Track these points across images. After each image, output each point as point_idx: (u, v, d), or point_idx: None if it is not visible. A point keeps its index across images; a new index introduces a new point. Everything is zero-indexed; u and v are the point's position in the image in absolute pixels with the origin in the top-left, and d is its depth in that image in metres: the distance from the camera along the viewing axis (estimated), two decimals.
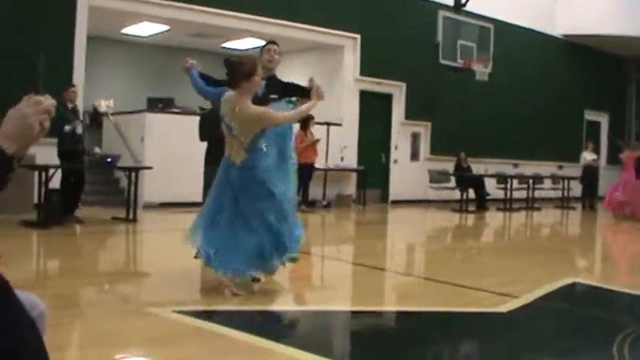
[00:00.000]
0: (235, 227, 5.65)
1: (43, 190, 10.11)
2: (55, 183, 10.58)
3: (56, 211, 10.37)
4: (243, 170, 5.64)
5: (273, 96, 6.35)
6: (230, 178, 5.76)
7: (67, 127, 10.69)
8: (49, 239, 9.29)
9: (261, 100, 5.86)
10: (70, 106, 10.88)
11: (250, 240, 5.59)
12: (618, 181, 16.88)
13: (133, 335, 4.46)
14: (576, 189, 19.95)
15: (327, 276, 7.43)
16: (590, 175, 19.61)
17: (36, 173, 10.30)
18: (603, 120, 25.51)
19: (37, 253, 8.84)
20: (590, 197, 19.53)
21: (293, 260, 5.91)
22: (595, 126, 25.08)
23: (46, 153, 10.50)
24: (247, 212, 5.64)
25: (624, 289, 6.99)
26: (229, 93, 5.71)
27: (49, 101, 1.86)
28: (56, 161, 10.69)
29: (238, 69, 5.58)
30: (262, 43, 13.86)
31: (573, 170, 20.44)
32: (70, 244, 9.55)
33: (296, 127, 13.85)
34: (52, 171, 10.30)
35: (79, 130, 11.02)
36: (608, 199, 16.72)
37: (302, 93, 6.53)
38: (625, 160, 16.87)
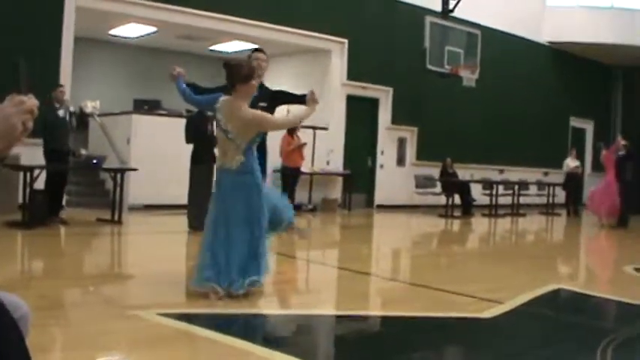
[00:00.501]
0: (219, 238, 5.63)
1: (27, 190, 10.06)
2: (40, 183, 10.54)
3: (41, 212, 10.32)
4: (239, 175, 5.64)
5: (262, 104, 6.35)
6: (223, 186, 5.75)
7: (61, 111, 10.75)
8: (33, 240, 9.24)
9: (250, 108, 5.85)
10: (57, 105, 10.85)
11: (235, 252, 5.58)
12: (601, 184, 16.71)
13: (116, 338, 4.44)
14: (561, 195, 20.05)
15: (311, 280, 7.42)
16: (574, 182, 19.71)
17: (21, 174, 10.25)
18: (588, 127, 25.63)
19: (21, 254, 8.79)
20: (574, 204, 19.62)
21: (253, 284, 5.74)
22: (580, 133, 25.21)
23: (31, 153, 10.46)
24: (240, 219, 5.61)
25: (608, 295, 7.03)
26: (225, 97, 5.72)
27: (32, 101, 1.85)
28: (41, 161, 10.66)
29: (237, 72, 5.61)
30: (250, 46, 14.29)
31: (559, 176, 20.52)
32: (54, 245, 9.50)
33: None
34: (37, 171, 10.25)
35: (72, 108, 11.10)
36: (590, 203, 16.69)
37: (290, 100, 6.56)
38: (604, 161, 16.59)
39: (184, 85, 6.17)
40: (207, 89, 6.41)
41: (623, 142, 16.48)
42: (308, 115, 6.18)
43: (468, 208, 17.60)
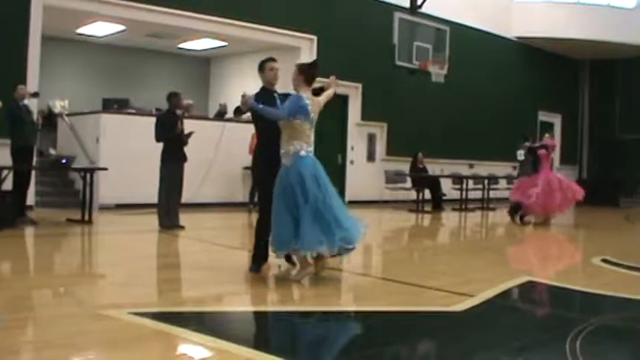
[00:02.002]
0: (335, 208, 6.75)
1: None
2: (7, 184, 10.43)
3: (10, 213, 10.21)
4: None
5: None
6: (320, 167, 6.74)
7: (26, 101, 10.71)
8: (2, 242, 9.13)
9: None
10: (21, 103, 10.74)
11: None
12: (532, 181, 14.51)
13: (89, 338, 4.42)
14: None
15: (284, 277, 7.42)
16: None
17: None
18: (556, 121, 25.87)
19: None
20: None
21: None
22: (549, 127, 25.42)
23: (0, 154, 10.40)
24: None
25: (577, 287, 7.12)
26: (304, 94, 6.76)
27: None
28: (8, 161, 10.56)
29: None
30: (219, 43, 14.25)
31: None
32: (23, 247, 9.43)
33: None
34: (4, 172, 10.15)
35: (33, 90, 11.04)
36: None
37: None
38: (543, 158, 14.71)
39: (262, 105, 6.66)
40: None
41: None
42: (331, 95, 7.54)
43: (438, 202, 17.70)
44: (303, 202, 6.35)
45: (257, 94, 6.94)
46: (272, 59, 7.25)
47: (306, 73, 6.75)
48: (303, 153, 6.52)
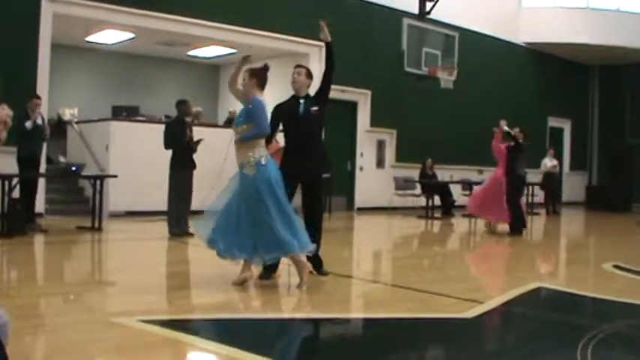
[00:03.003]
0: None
1: (6, 199, 9.98)
2: (17, 192, 10.46)
3: (19, 221, 10.23)
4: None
5: (314, 108, 7.54)
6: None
7: (28, 123, 10.61)
8: (14, 249, 9.15)
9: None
10: (30, 114, 10.75)
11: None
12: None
13: (98, 345, 4.42)
14: (541, 195, 20.15)
15: (293, 284, 7.42)
16: (552, 181, 19.85)
17: None
18: (566, 126, 25.81)
19: (0, 264, 8.73)
20: (553, 203, 19.77)
21: None
22: (558, 132, 25.37)
23: (6, 162, 10.41)
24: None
25: (588, 293, 7.08)
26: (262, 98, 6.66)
27: (5, 111, 1.84)
28: (15, 169, 10.58)
29: None
30: (228, 50, 14.16)
31: (537, 176, 20.63)
32: (34, 254, 9.45)
33: None
34: (15, 180, 10.18)
35: (39, 120, 10.91)
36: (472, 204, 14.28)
37: (323, 88, 7.82)
38: (495, 153, 14.63)
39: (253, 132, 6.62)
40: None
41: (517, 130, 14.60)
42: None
43: (448, 209, 17.67)
44: (275, 207, 6.29)
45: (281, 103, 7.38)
46: (296, 66, 7.60)
47: (259, 77, 6.69)
48: (264, 161, 6.45)
